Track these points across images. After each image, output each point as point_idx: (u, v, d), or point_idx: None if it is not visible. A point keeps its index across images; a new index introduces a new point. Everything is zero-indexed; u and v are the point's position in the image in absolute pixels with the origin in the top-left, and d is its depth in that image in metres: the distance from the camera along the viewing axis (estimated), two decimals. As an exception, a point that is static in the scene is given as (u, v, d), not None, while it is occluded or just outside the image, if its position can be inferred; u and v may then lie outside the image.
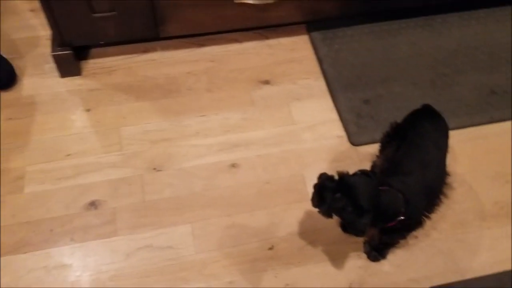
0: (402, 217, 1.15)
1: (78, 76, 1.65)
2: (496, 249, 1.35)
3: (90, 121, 1.55)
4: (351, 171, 1.17)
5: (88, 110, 1.58)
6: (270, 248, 1.33)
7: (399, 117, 1.58)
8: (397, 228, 1.19)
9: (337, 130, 1.57)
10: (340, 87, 1.66)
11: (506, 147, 1.55)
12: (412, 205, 1.16)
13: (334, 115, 1.60)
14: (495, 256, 1.34)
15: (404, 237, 1.27)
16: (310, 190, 1.40)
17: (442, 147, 1.29)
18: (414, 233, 1.30)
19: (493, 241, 1.36)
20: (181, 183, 1.43)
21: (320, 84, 1.69)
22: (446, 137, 1.31)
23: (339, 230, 1.36)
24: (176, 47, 1.75)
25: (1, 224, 1.33)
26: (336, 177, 1.12)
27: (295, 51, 1.78)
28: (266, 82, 1.68)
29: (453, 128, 1.57)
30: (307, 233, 1.36)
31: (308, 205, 1.38)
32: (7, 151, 1.47)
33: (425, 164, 1.24)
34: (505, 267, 1.31)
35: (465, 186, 1.46)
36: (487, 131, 1.59)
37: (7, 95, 1.59)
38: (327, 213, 1.12)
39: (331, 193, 1.10)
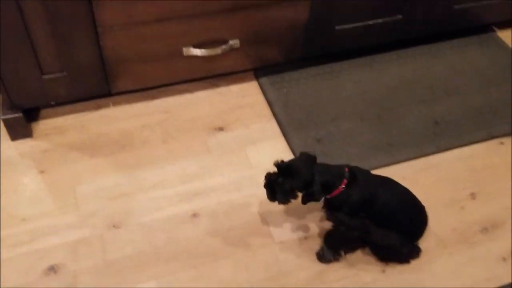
0: (343, 186, 1.24)
1: (30, 138, 1.62)
2: (461, 275, 1.38)
3: (44, 183, 1.51)
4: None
5: (41, 172, 1.54)
6: (239, 297, 1.32)
7: (351, 152, 1.64)
8: (340, 205, 1.26)
9: (294, 171, 1.60)
10: (293, 128, 1.70)
11: (456, 174, 1.62)
12: (360, 184, 1.25)
13: (290, 156, 1.63)
14: (462, 282, 1.36)
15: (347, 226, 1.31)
16: (275, 234, 1.43)
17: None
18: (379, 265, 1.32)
19: (457, 267, 1.40)
20: (143, 239, 1.41)
21: (273, 127, 1.73)
22: None
23: (308, 271, 1.37)
24: (128, 102, 1.76)
25: (-46, 300, 1.26)
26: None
27: (246, 97, 1.82)
28: (221, 129, 1.71)
29: (404, 160, 1.65)
30: (275, 278, 1.35)
31: (274, 248, 1.40)
32: (-44, 221, 1.41)
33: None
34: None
35: (421, 215, 1.50)
36: (436, 160, 1.66)
37: (-46, 164, 1.54)
38: (283, 201, 1.27)
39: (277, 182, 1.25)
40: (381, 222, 1.29)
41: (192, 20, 1.55)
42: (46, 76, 1.50)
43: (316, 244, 1.42)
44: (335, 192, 1.25)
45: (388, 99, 1.83)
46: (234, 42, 1.66)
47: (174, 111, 1.75)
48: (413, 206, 1.37)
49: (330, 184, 1.24)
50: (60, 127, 1.66)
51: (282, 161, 1.26)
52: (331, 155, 1.63)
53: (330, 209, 1.31)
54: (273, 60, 1.80)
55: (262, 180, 1.28)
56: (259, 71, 1.88)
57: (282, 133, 1.71)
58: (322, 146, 1.66)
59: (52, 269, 1.33)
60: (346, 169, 1.26)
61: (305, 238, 1.44)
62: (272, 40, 1.72)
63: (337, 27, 1.77)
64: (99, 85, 1.60)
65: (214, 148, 1.65)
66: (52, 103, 1.61)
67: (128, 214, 1.46)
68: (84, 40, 1.47)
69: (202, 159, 1.61)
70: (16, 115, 1.56)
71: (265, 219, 1.47)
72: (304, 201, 1.27)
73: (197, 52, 1.62)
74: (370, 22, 1.80)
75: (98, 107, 1.73)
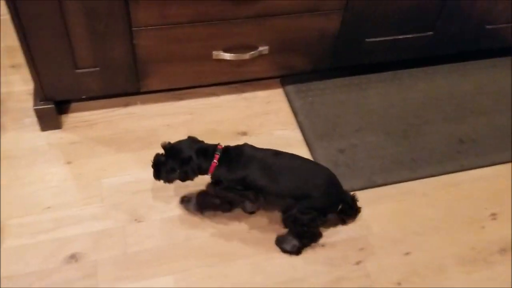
0: (215, 161, 1.33)
1: (59, 130, 1.67)
2: (476, 293, 1.38)
3: (70, 174, 1.55)
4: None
5: (68, 163, 1.58)
6: (253, 298, 1.33)
7: (374, 165, 1.64)
8: (218, 180, 1.36)
9: (315, 179, 1.61)
10: (316, 137, 1.72)
11: (478, 193, 1.61)
12: (233, 162, 1.34)
13: (311, 165, 1.64)
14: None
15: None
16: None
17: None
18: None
19: (474, 285, 1.39)
20: (163, 234, 1.43)
21: (296, 135, 1.74)
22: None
23: (323, 278, 1.37)
24: (155, 101, 1.79)
25: (-23, 281, 1.30)
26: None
27: (270, 104, 1.84)
28: (244, 134, 1.73)
29: (427, 176, 1.64)
30: (289, 283, 1.36)
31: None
32: (-16, 205, 1.45)
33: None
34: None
35: (442, 233, 1.50)
36: (459, 178, 1.65)
37: (-15, 150, 1.59)
38: (166, 179, 1.35)
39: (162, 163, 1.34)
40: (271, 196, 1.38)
41: (224, 24, 1.58)
42: (79, 71, 1.55)
43: (333, 252, 1.43)
44: (212, 169, 1.34)
45: (414, 115, 1.83)
46: (263, 49, 1.68)
47: (199, 113, 1.78)
48: (299, 179, 1.38)
49: (206, 165, 1.33)
50: (89, 121, 1.70)
51: (169, 143, 1.34)
52: (353, 166, 1.64)
53: (214, 185, 1.40)
54: (300, 68, 1.82)
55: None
56: (286, 79, 1.90)
57: (305, 141, 1.72)
58: (345, 157, 1.66)
59: (73, 258, 1.36)
60: (219, 146, 1.36)
61: (322, 246, 1.44)
62: (301, 49, 1.74)
63: (367, 40, 1.78)
64: (129, 82, 1.64)
65: (237, 151, 1.66)
66: (83, 97, 1.66)
67: (150, 209, 1.48)
68: (119, 38, 1.51)
69: (225, 161, 1.63)
70: (48, 106, 1.60)
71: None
72: (182, 179, 1.35)
73: (227, 56, 1.65)
74: (401, 37, 1.81)
75: (127, 104, 1.77)
